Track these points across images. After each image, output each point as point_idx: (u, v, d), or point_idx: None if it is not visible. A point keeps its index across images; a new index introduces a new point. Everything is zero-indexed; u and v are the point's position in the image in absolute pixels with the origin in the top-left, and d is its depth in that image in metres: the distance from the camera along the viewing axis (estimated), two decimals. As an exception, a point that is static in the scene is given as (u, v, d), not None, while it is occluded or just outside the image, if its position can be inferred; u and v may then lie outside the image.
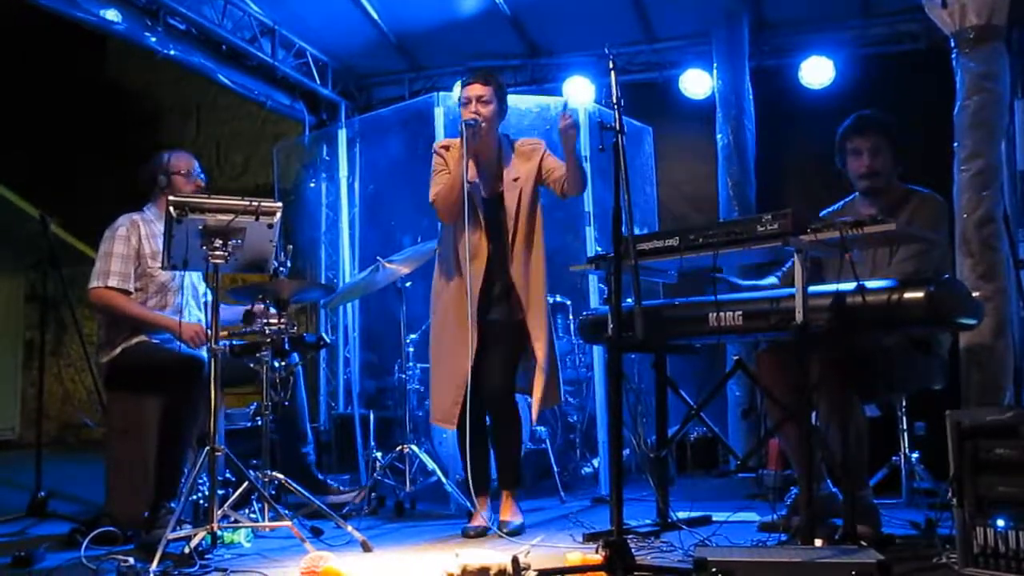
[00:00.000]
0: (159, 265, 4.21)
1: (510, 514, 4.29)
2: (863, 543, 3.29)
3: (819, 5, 6.86)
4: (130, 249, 4.45)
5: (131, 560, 3.39)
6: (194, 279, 4.71)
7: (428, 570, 3.43)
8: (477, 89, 4.34)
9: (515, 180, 4.38)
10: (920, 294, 3.33)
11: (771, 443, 4.75)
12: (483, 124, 4.29)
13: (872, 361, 3.74)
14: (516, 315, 4.37)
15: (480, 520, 4.28)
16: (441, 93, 6.14)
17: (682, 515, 4.17)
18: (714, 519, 4.28)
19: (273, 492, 4.24)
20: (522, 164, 4.42)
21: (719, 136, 6.83)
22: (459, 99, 4.41)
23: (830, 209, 4.23)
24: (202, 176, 4.71)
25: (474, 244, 4.32)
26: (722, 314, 3.76)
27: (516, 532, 4.18)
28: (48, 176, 9.73)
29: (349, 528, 4.01)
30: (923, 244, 3.83)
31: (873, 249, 3.91)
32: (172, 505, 3.98)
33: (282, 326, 4.28)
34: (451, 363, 4.32)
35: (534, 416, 4.52)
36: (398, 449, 5.08)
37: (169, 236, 3.75)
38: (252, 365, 4.32)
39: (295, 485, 4.22)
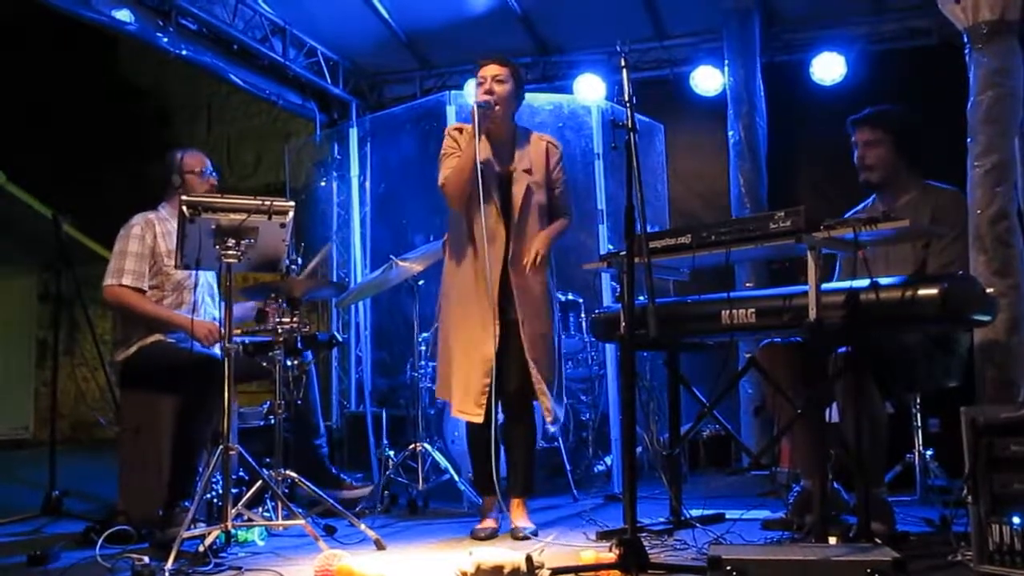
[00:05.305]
0: (174, 264, 4.22)
1: (523, 520, 4.19)
2: (878, 540, 3.29)
3: (830, 1, 6.85)
4: (145, 248, 4.47)
5: (146, 559, 3.41)
6: (209, 277, 4.73)
7: (442, 568, 3.42)
8: (493, 69, 4.22)
9: (526, 171, 4.24)
10: (934, 291, 3.30)
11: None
12: (497, 106, 4.16)
13: (893, 361, 3.73)
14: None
15: (490, 521, 4.20)
16: (452, 91, 6.16)
17: (695, 513, 4.16)
18: (727, 517, 4.27)
19: (286, 491, 4.25)
20: (537, 157, 4.28)
21: (730, 133, 6.84)
22: (476, 81, 4.29)
23: (853, 211, 4.21)
24: (215, 174, 4.73)
25: (490, 227, 4.16)
26: (735, 311, 3.74)
27: (529, 538, 4.08)
28: (60, 175, 9.76)
29: (362, 526, 4.01)
30: (951, 238, 3.84)
31: (901, 246, 3.91)
32: (186, 504, 3.99)
33: (294, 325, 4.29)
34: (475, 352, 4.14)
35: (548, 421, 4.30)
36: (410, 447, 5.10)
37: (182, 235, 3.76)
38: (265, 364, 4.33)
39: (308, 484, 4.23)
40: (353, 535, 4.06)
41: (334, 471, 4.99)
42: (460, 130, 4.28)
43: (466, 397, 4.16)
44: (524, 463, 4.30)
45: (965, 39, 4.59)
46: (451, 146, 4.27)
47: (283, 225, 3.85)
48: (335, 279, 7.70)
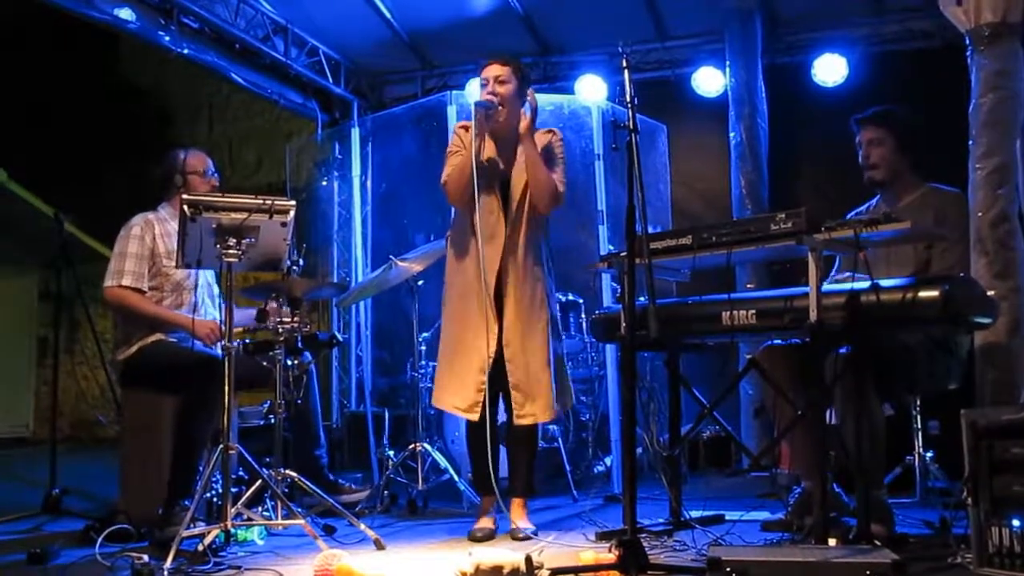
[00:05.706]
0: (174, 264, 4.21)
1: (523, 520, 4.17)
2: (877, 543, 3.29)
3: (832, 2, 6.85)
4: (144, 248, 4.46)
5: (145, 557, 3.40)
6: (209, 277, 4.72)
7: (441, 568, 3.42)
8: (495, 69, 4.18)
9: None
10: (935, 293, 3.30)
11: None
12: (500, 106, 4.13)
13: (894, 361, 3.73)
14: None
15: (487, 521, 4.18)
16: (454, 91, 6.16)
17: (695, 514, 4.16)
18: (727, 518, 4.26)
19: (286, 490, 4.24)
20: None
21: (732, 134, 6.83)
22: (479, 82, 4.25)
23: (856, 211, 4.20)
24: (216, 175, 4.72)
25: (491, 225, 4.14)
26: (735, 313, 3.74)
27: (529, 539, 4.06)
28: (62, 175, 9.77)
29: (362, 526, 4.01)
30: (954, 240, 3.85)
31: (902, 247, 3.91)
32: (186, 503, 3.99)
33: (295, 324, 4.28)
34: (473, 348, 4.12)
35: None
36: (410, 447, 5.09)
37: (183, 235, 3.75)
38: (265, 363, 4.32)
39: (308, 483, 4.23)
40: (352, 535, 4.06)
41: (332, 479, 4.98)
42: (467, 128, 4.23)
43: (460, 392, 4.16)
44: (525, 463, 4.28)
45: (967, 41, 4.59)
46: (457, 144, 4.25)
47: (284, 224, 3.85)
48: (336, 279, 7.71)
